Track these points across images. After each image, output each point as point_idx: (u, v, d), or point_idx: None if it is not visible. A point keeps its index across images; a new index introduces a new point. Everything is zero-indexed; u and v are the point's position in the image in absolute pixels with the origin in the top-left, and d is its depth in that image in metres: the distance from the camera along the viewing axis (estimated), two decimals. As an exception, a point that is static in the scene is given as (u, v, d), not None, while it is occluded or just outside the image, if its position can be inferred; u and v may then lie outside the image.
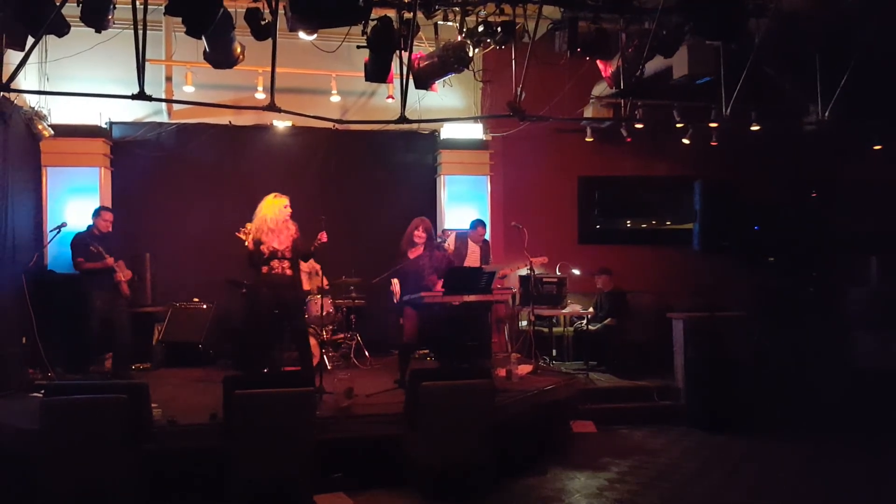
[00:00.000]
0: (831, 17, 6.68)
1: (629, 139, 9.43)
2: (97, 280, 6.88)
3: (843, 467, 6.10)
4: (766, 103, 8.50)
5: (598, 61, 6.83)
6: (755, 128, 8.85)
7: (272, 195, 6.37)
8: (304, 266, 7.30)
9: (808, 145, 8.89)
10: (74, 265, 6.96)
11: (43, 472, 4.48)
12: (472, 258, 7.80)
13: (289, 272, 6.25)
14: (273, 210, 6.24)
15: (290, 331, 6.47)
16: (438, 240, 8.20)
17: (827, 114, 6.85)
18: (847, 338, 8.18)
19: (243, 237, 6.19)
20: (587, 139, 9.68)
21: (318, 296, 7.59)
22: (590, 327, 8.46)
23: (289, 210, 6.30)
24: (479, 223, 8.13)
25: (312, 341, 7.00)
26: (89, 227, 7.12)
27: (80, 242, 6.93)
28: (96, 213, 7.18)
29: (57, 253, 7.80)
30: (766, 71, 7.39)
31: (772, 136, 9.02)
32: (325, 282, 7.56)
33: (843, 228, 9.00)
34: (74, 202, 8.20)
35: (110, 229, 7.18)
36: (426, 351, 8.20)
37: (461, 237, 7.98)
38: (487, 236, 8.51)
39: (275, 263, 6.16)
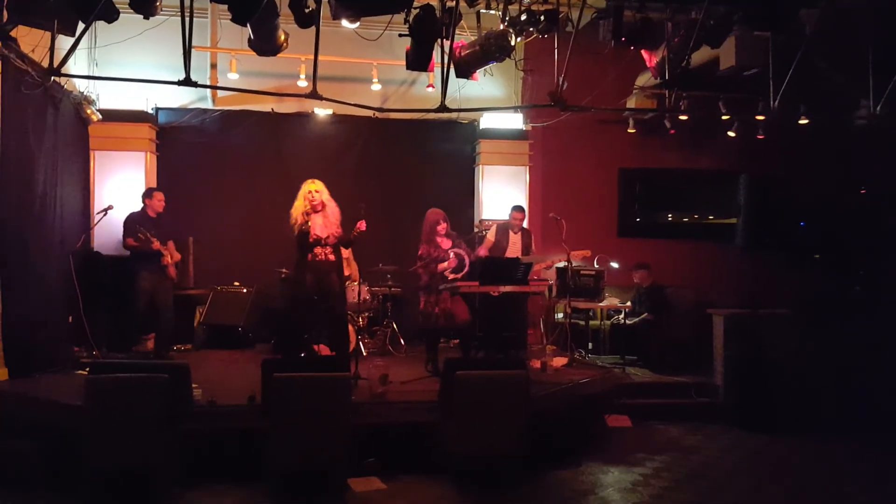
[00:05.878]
0: (883, 9, 6.46)
1: (672, 131, 9.28)
2: (144, 261, 6.96)
3: (886, 470, 5.94)
4: (816, 96, 8.26)
5: (642, 51, 6.71)
6: (804, 121, 8.61)
7: (307, 181, 6.55)
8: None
9: (859, 140, 8.64)
10: (123, 244, 7.03)
11: (86, 446, 4.62)
12: (514, 249, 7.62)
13: (332, 258, 6.44)
14: (299, 197, 6.44)
15: (330, 316, 6.56)
16: (476, 230, 8.19)
17: (879, 108, 6.64)
18: (895, 338, 7.94)
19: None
20: (629, 130, 9.55)
21: (355, 283, 7.65)
22: (627, 321, 8.37)
23: (318, 194, 6.43)
24: (515, 208, 7.88)
25: (349, 328, 7.10)
26: (143, 207, 7.17)
27: (132, 223, 6.98)
28: (149, 195, 7.23)
29: (103, 235, 7.99)
30: (816, 63, 7.19)
31: (821, 130, 8.77)
32: (356, 267, 7.64)
33: (892, 226, 8.72)
34: (120, 186, 8.38)
35: (162, 210, 7.26)
36: (457, 341, 8.19)
37: (502, 228, 7.81)
38: (526, 225, 8.39)
39: (318, 250, 6.36)
